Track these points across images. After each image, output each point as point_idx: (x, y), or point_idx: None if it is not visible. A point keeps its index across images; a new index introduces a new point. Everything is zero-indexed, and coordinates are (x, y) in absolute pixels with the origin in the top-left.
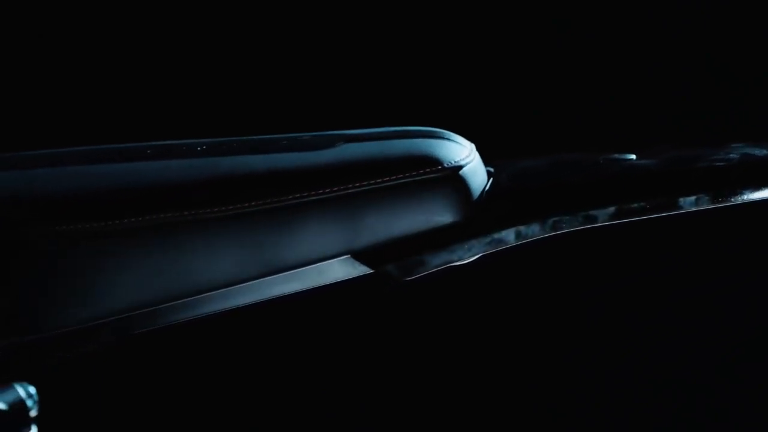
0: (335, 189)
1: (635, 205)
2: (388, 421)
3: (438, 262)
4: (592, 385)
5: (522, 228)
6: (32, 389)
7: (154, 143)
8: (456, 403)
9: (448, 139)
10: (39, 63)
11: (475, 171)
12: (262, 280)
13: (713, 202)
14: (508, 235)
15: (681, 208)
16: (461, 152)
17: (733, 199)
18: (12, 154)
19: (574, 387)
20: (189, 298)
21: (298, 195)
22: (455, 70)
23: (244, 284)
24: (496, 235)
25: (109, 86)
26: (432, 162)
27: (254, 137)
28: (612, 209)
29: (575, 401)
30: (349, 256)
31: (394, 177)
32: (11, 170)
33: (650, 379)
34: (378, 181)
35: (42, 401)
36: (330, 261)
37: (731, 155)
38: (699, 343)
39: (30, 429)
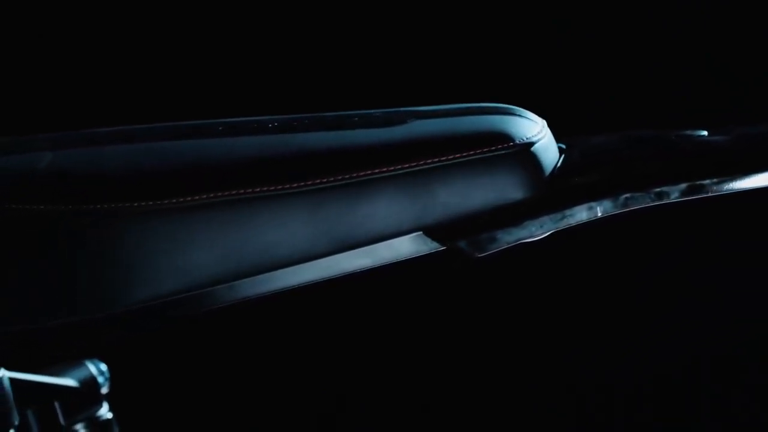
0: (406, 165)
1: (707, 182)
2: (458, 398)
3: (510, 238)
4: (673, 361)
5: (593, 204)
6: (103, 366)
7: (225, 120)
8: (532, 381)
9: (519, 115)
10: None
11: (547, 147)
12: (333, 256)
13: None
14: (580, 212)
15: (752, 184)
16: (533, 128)
17: None
18: (83, 131)
19: (648, 360)
20: (260, 275)
21: (369, 171)
22: (527, 46)
23: (315, 261)
24: (567, 212)
25: (179, 63)
26: (503, 138)
27: (326, 114)
28: (684, 186)
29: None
30: (420, 232)
31: (465, 153)
32: (83, 147)
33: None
34: (449, 157)
35: (113, 378)
36: (401, 237)
37: None
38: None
39: (101, 406)
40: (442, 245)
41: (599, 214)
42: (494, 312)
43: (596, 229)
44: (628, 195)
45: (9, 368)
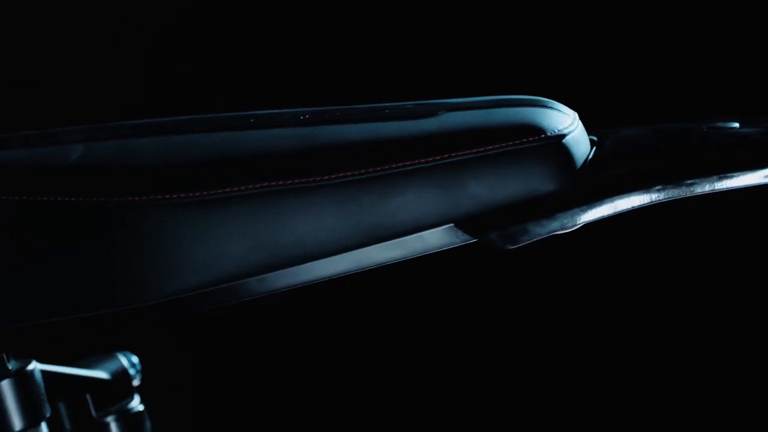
0: (438, 157)
1: (739, 173)
2: (496, 388)
3: (541, 230)
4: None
5: (625, 196)
6: (135, 358)
7: (256, 112)
8: (569, 371)
9: (550, 107)
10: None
11: (578, 140)
12: (364, 248)
13: None
14: (612, 204)
15: None
16: (564, 121)
17: None
18: (115, 123)
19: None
20: (291, 267)
21: (400, 163)
22: (559, 37)
23: (346, 253)
24: (599, 204)
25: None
26: (535, 130)
27: (356, 106)
28: (715, 178)
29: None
30: (451, 224)
31: (496, 145)
32: (114, 139)
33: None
34: (480, 149)
35: (145, 371)
36: (432, 230)
37: None
38: None
39: (132, 398)
40: (474, 237)
41: (631, 206)
42: (524, 304)
43: (627, 221)
44: (659, 187)
45: (40, 360)
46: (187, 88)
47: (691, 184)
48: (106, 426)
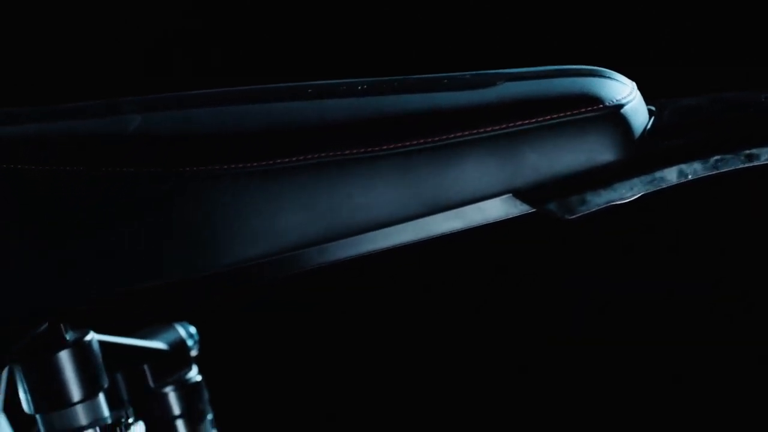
0: (496, 127)
1: None
2: (495, 389)
3: (599, 200)
4: None
5: (684, 167)
6: (192, 329)
7: (314, 83)
8: (569, 371)
9: (608, 77)
10: None
11: (636, 109)
12: (423, 219)
13: None
14: (670, 174)
15: None
16: (622, 90)
17: None
18: (173, 94)
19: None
20: (349, 238)
21: (459, 133)
22: (617, 7)
23: (404, 223)
24: (657, 174)
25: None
26: (593, 100)
27: (414, 77)
28: None
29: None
30: (510, 194)
31: (555, 115)
32: (172, 110)
33: None
34: (539, 119)
35: (202, 341)
36: (491, 200)
37: None
38: None
39: (190, 369)
40: (532, 207)
41: (689, 177)
42: (582, 274)
43: (685, 191)
44: (718, 157)
45: (99, 332)
46: (187, 88)
47: (750, 155)
48: (164, 396)
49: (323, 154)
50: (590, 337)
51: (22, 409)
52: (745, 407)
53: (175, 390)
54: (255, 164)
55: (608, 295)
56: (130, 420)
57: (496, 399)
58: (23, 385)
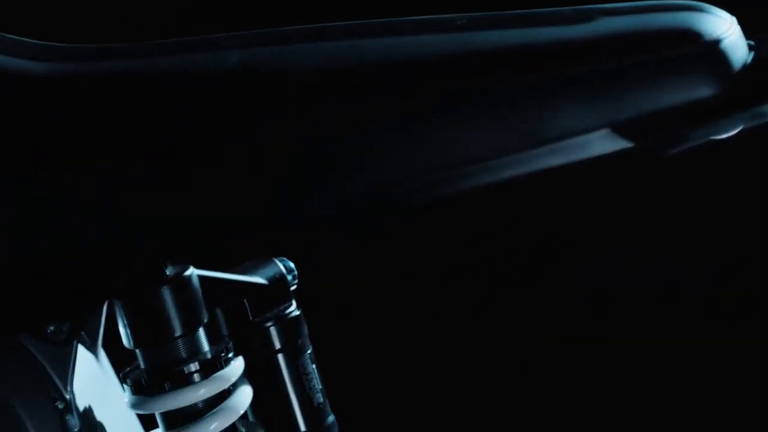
0: (595, 63)
1: None
2: (495, 388)
3: (698, 136)
4: None
5: None
6: (291, 264)
7: (412, 18)
8: (568, 371)
9: (707, 12)
10: None
11: (736, 45)
12: (521, 154)
13: None
14: None
15: None
16: (721, 25)
17: None
18: (273, 29)
19: None
20: (455, 170)
21: (558, 69)
22: None
23: (507, 157)
24: (758, 110)
25: None
26: (692, 36)
27: (513, 12)
28: None
29: None
30: (609, 130)
31: (653, 51)
32: (272, 45)
33: None
34: (638, 55)
35: (300, 277)
36: (589, 135)
37: None
38: None
39: (290, 303)
40: (631, 143)
41: None
42: (679, 211)
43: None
44: None
45: (198, 267)
46: None
47: None
48: (264, 330)
49: (422, 87)
50: (590, 337)
51: (122, 344)
52: (745, 407)
53: (275, 324)
54: (362, 97)
55: (608, 295)
56: (230, 354)
57: (497, 398)
58: (123, 321)
